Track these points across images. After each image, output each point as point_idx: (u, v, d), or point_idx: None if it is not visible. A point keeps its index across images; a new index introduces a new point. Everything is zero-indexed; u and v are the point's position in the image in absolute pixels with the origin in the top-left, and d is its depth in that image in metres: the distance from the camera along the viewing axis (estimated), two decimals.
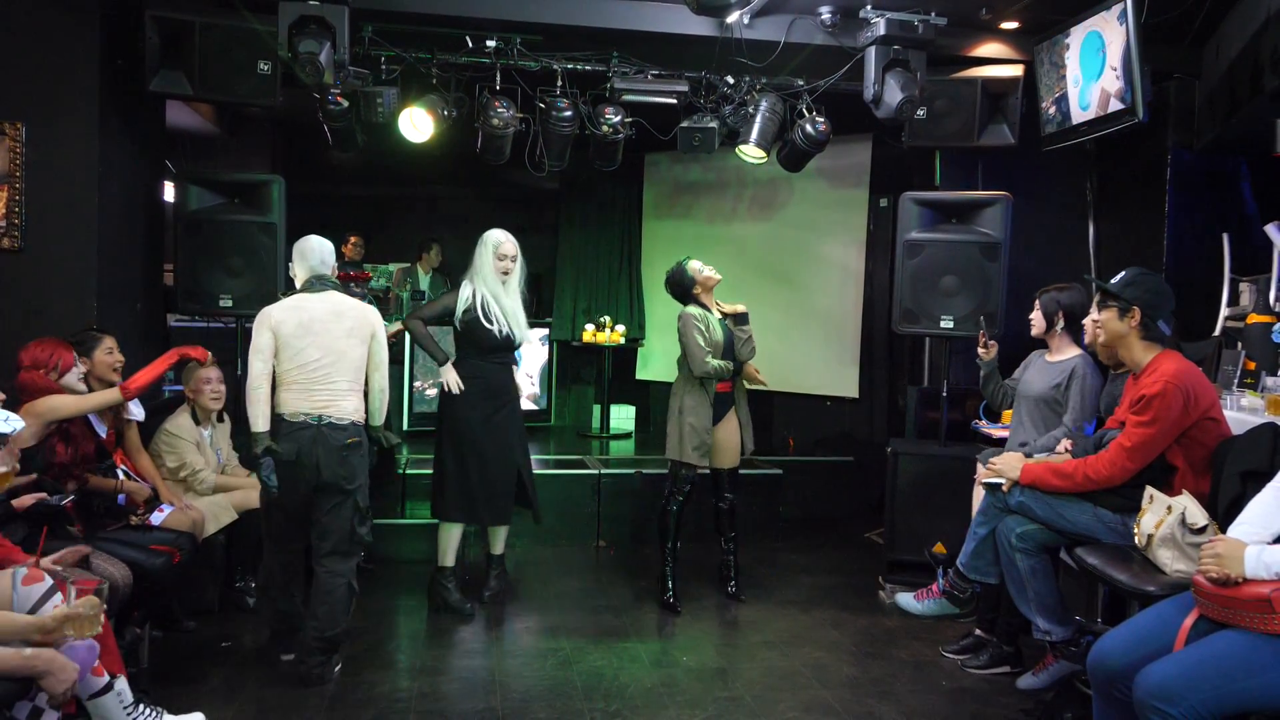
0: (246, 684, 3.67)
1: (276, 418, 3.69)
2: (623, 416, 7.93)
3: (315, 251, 3.90)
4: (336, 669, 3.81)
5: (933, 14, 4.52)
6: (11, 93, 4.33)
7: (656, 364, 8.25)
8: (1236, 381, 3.98)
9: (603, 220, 8.46)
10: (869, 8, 4.58)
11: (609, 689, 3.72)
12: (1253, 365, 3.98)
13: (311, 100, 4.97)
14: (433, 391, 7.16)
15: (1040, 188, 5.68)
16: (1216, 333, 4.55)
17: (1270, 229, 4.24)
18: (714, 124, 5.42)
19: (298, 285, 3.90)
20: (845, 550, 5.97)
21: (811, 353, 7.33)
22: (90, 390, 3.85)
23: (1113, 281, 3.32)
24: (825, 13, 4.88)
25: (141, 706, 2.97)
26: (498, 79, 5.14)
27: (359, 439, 3.77)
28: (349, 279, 5.17)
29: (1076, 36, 4.73)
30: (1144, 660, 2.42)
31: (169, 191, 5.61)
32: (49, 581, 2.65)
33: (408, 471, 5.75)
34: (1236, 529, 2.54)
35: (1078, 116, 4.83)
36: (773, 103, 5.33)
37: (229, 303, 4.95)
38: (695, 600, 4.79)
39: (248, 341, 5.13)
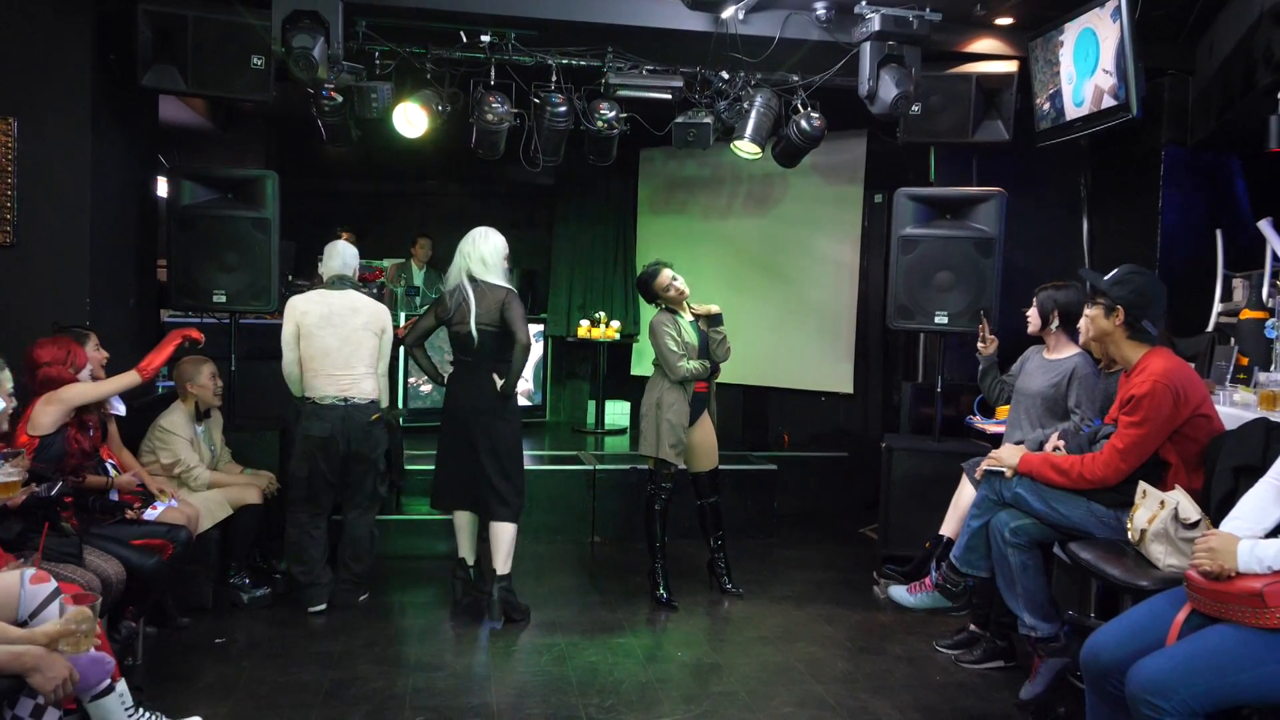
0: (241, 680, 3.67)
1: (308, 401, 4.39)
2: (617, 412, 7.93)
3: (341, 255, 4.55)
4: (362, 598, 4.60)
5: (927, 10, 4.52)
6: (3, 88, 4.31)
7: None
8: (1229, 377, 3.99)
9: (597, 216, 8.45)
10: (864, 3, 4.58)
11: (604, 684, 3.72)
12: (1245, 361, 3.99)
13: (305, 95, 4.96)
14: (428, 388, 7.16)
15: (1034, 184, 5.69)
16: (1210, 328, 4.57)
17: (1263, 225, 4.25)
18: (709, 119, 5.42)
19: (324, 280, 4.52)
20: (840, 546, 5.98)
21: (806, 349, 7.33)
22: None
23: (1105, 277, 3.33)
24: (820, 8, 4.88)
25: (141, 710, 2.96)
26: (492, 74, 5.13)
27: (379, 415, 4.48)
28: (363, 279, 5.18)
29: (1071, 33, 4.74)
30: (1136, 655, 2.42)
31: (162, 187, 5.59)
32: (54, 583, 2.64)
33: (405, 468, 5.73)
34: (1229, 524, 2.55)
35: (1072, 113, 4.84)
36: (767, 98, 5.33)
37: (223, 298, 4.94)
38: (689, 596, 4.79)
39: (241, 337, 5.20)
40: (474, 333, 4.29)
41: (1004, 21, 5.11)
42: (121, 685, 2.77)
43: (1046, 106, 5.00)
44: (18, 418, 3.47)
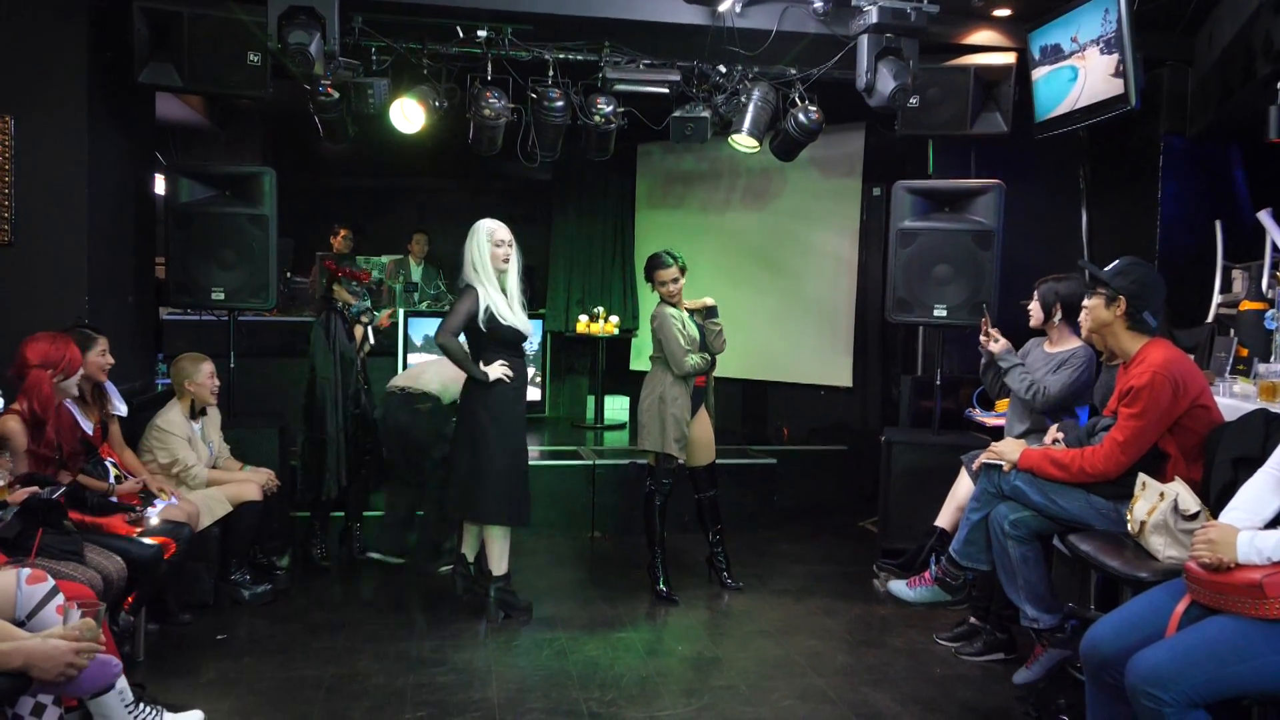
0: (243, 677, 3.67)
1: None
2: (617, 407, 7.93)
3: None
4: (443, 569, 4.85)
5: (925, 1, 4.51)
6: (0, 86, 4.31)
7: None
8: (1229, 368, 3.99)
9: (595, 211, 8.44)
10: None
11: (604, 679, 3.72)
12: (1245, 352, 3.99)
13: (302, 91, 4.95)
14: None
15: (1033, 175, 5.69)
16: (1209, 319, 4.56)
17: (1263, 216, 4.24)
18: (706, 114, 5.40)
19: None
20: (839, 539, 5.98)
21: (805, 342, 7.33)
22: (81, 392, 3.84)
23: (1105, 269, 3.32)
24: (817, 1, 4.87)
25: (142, 705, 2.96)
26: (489, 69, 5.12)
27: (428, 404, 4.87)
28: (347, 275, 5.11)
29: (1069, 23, 4.73)
30: (1136, 646, 2.42)
31: (160, 184, 5.58)
32: (51, 582, 2.64)
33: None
34: (1228, 515, 2.55)
35: (1070, 104, 4.83)
36: (765, 92, 5.32)
37: (221, 295, 4.94)
38: (688, 590, 4.80)
39: (240, 334, 5.20)
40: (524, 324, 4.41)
41: (1002, 13, 5.11)
42: (121, 681, 2.78)
43: (1045, 98, 4.99)
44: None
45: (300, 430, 5.03)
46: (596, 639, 4.16)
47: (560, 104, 5.16)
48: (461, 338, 4.23)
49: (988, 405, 5.09)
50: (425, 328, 7.05)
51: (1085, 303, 3.40)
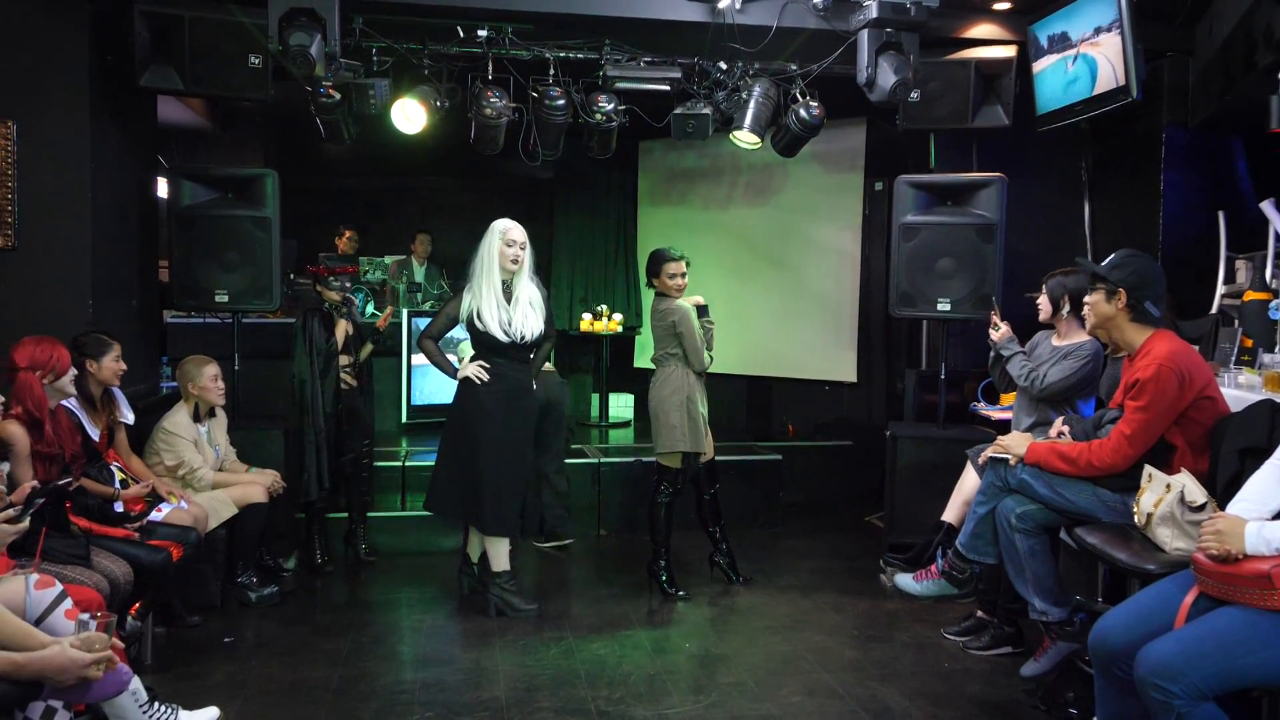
0: (250, 679, 3.68)
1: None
2: (621, 405, 7.93)
3: None
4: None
5: None
6: (1, 91, 4.31)
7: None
8: (1234, 359, 3.98)
9: (598, 209, 8.44)
10: None
11: (612, 677, 3.73)
12: (1250, 342, 3.99)
13: (303, 93, 4.95)
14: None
15: (1035, 168, 5.68)
16: (1213, 310, 4.55)
17: (1266, 206, 4.23)
18: (708, 110, 5.40)
19: None
20: (845, 534, 5.98)
21: (809, 338, 7.33)
22: (82, 393, 3.84)
23: (1102, 263, 3.32)
24: None
25: (157, 704, 2.97)
26: (490, 69, 5.12)
27: None
28: (326, 272, 5.07)
29: (1070, 16, 4.72)
30: (1145, 639, 2.42)
31: (162, 187, 5.59)
32: (59, 587, 2.65)
33: (407, 464, 5.75)
34: (1236, 506, 2.55)
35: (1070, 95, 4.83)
36: (766, 88, 5.32)
37: (225, 298, 4.94)
38: (693, 588, 4.79)
39: (245, 336, 5.20)
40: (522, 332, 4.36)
41: (1002, 6, 5.10)
42: (135, 683, 2.79)
43: (1046, 90, 4.98)
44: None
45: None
46: (604, 637, 4.17)
47: (561, 102, 5.16)
48: (467, 344, 4.28)
49: (993, 399, 5.09)
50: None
51: (1086, 299, 3.40)
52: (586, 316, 7.83)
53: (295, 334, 4.93)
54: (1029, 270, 4.29)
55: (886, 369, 7.24)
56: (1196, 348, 3.67)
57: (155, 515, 3.88)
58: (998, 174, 5.03)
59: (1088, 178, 5.76)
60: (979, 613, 4.15)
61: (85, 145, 4.42)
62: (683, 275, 4.66)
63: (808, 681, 3.69)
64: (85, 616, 2.51)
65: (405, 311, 7.04)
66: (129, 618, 3.52)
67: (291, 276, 6.73)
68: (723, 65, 5.31)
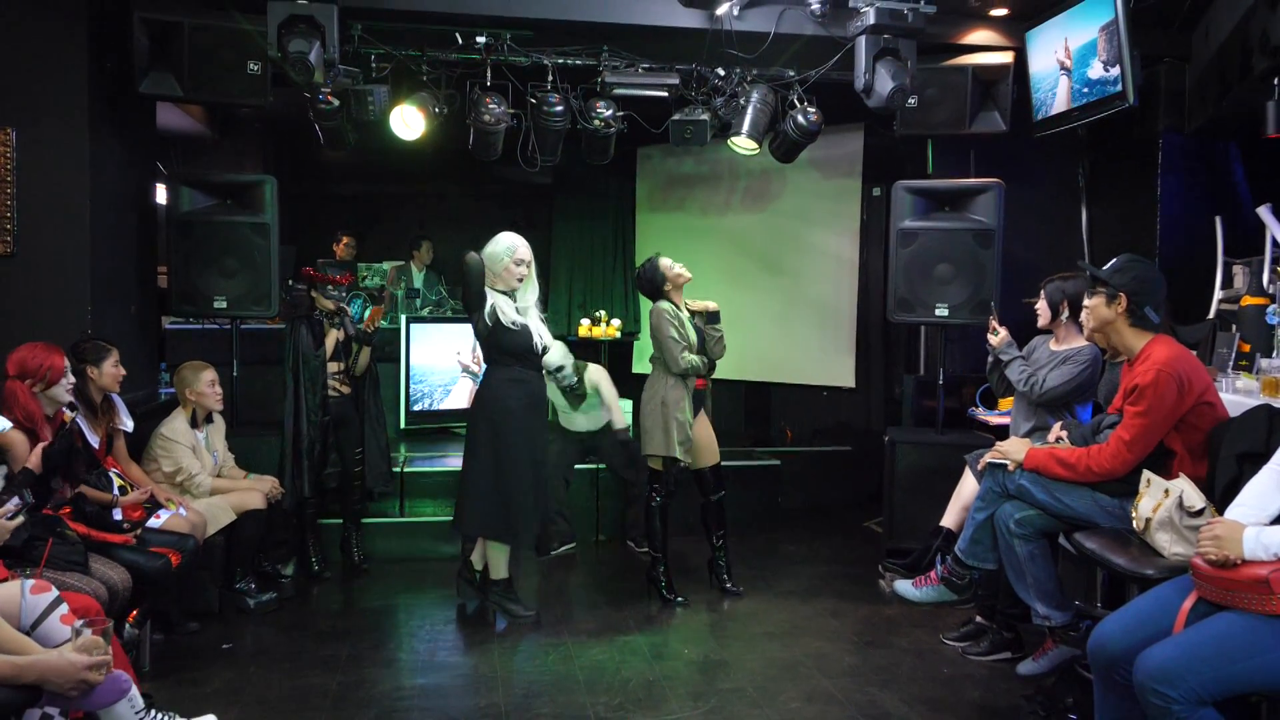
0: (249, 686, 3.67)
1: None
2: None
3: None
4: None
5: (922, 2, 4.52)
6: (1, 98, 4.31)
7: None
8: (1231, 364, 3.99)
9: (596, 214, 8.44)
10: None
11: (611, 683, 3.72)
12: (1247, 347, 3.99)
13: (302, 100, 4.96)
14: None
15: (1033, 174, 5.70)
16: (1211, 315, 4.56)
17: (1263, 211, 4.24)
18: (705, 116, 5.41)
19: None
20: (844, 540, 5.98)
21: (807, 343, 7.33)
22: (83, 399, 3.83)
23: (1104, 268, 3.33)
24: (815, 3, 4.87)
25: (154, 712, 2.96)
26: (488, 75, 5.13)
27: None
28: (325, 280, 5.03)
29: (1066, 22, 4.73)
30: (1143, 643, 2.42)
31: (161, 193, 5.60)
32: (55, 592, 2.64)
33: (406, 470, 5.75)
34: (1234, 511, 2.55)
35: (1068, 102, 4.84)
36: (764, 94, 5.33)
37: (223, 304, 4.94)
38: (693, 594, 4.79)
39: (243, 342, 5.20)
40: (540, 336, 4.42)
41: (999, 12, 5.11)
42: (133, 690, 2.78)
43: (1043, 96, 4.99)
44: None
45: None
46: (602, 643, 4.16)
47: (560, 109, 5.17)
48: (476, 351, 4.28)
49: (991, 404, 5.09)
50: (427, 334, 7.05)
51: (1086, 302, 3.41)
52: (585, 322, 7.83)
53: (284, 340, 4.93)
54: (1027, 275, 4.31)
55: (885, 374, 7.24)
56: (1194, 352, 3.67)
57: (154, 522, 3.87)
58: (995, 179, 5.04)
59: (1085, 183, 5.78)
60: (978, 618, 4.15)
61: (84, 152, 4.42)
62: (674, 264, 4.63)
63: (807, 687, 3.68)
64: (80, 623, 2.51)
65: (404, 318, 7.05)
66: (126, 625, 3.51)
67: (290, 282, 6.74)
68: (721, 71, 5.32)
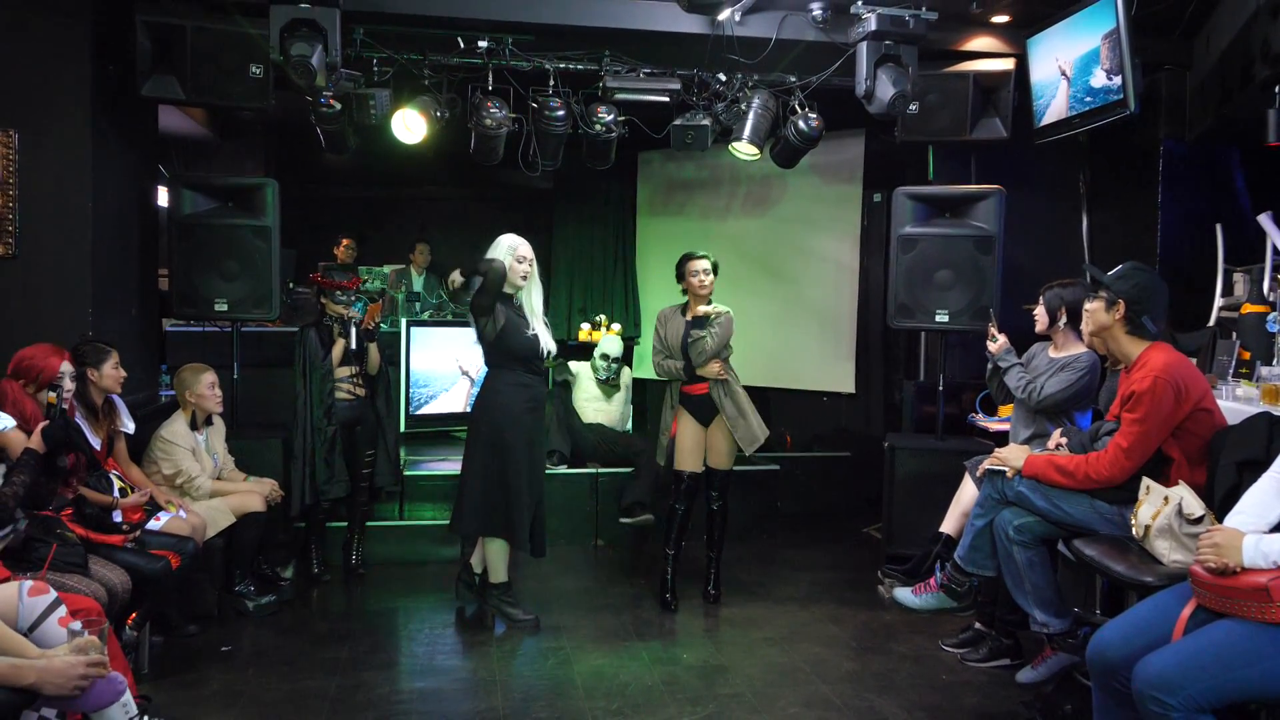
0: (248, 688, 3.67)
1: None
2: None
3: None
4: None
5: (924, 9, 4.52)
6: (3, 100, 4.32)
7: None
8: (1231, 371, 3.99)
9: (597, 219, 8.44)
10: (860, 3, 4.57)
11: (610, 688, 3.72)
12: (1248, 355, 3.99)
13: (304, 103, 4.97)
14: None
15: (1033, 181, 5.70)
16: (1211, 323, 4.57)
17: (1263, 219, 4.25)
18: (707, 121, 5.42)
19: None
20: (843, 546, 5.98)
21: (807, 348, 7.33)
22: (84, 401, 3.83)
23: (1108, 273, 3.33)
24: (816, 9, 4.88)
25: (146, 717, 2.96)
26: (490, 79, 5.14)
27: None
28: (330, 286, 5.02)
29: (1067, 29, 4.74)
30: (1142, 651, 2.42)
31: (162, 196, 5.60)
32: (53, 594, 2.64)
33: (406, 473, 5.75)
34: (1233, 518, 2.55)
35: (1069, 109, 4.84)
36: (765, 99, 5.33)
37: (224, 307, 4.94)
38: (694, 599, 4.79)
39: (243, 345, 5.20)
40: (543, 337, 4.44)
41: (1000, 19, 5.12)
42: (127, 694, 2.78)
43: (1044, 103, 5.00)
44: None
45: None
46: (602, 648, 4.16)
47: (561, 113, 5.17)
48: (479, 356, 4.35)
49: (991, 410, 5.09)
50: (427, 337, 7.05)
51: (1086, 305, 3.42)
52: (585, 326, 7.84)
53: (294, 347, 4.94)
54: (1027, 282, 4.30)
55: (885, 380, 7.24)
56: (1194, 360, 3.67)
57: (153, 524, 3.88)
58: (996, 186, 5.04)
59: (1086, 190, 5.78)
60: (977, 625, 4.15)
61: (86, 154, 4.43)
62: (705, 273, 4.65)
63: (806, 693, 3.68)
64: (77, 625, 2.51)
65: (404, 321, 7.05)
66: (126, 627, 3.51)
67: (291, 285, 6.74)
68: (722, 77, 5.33)
